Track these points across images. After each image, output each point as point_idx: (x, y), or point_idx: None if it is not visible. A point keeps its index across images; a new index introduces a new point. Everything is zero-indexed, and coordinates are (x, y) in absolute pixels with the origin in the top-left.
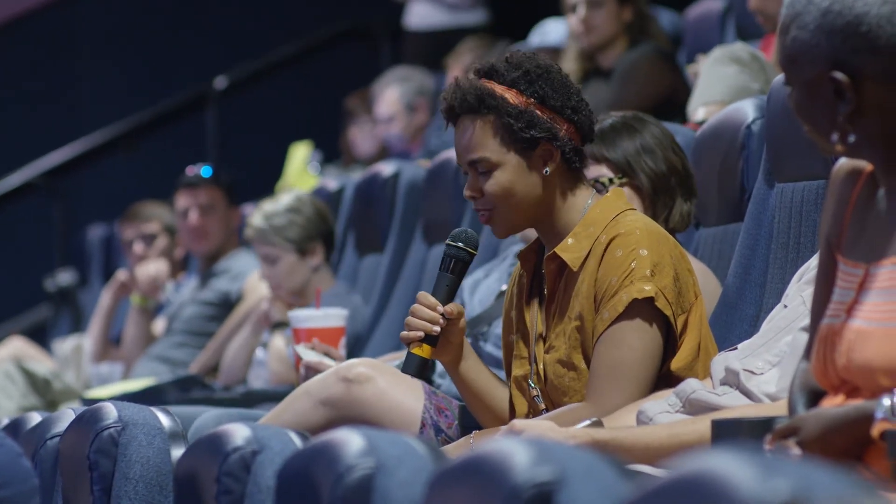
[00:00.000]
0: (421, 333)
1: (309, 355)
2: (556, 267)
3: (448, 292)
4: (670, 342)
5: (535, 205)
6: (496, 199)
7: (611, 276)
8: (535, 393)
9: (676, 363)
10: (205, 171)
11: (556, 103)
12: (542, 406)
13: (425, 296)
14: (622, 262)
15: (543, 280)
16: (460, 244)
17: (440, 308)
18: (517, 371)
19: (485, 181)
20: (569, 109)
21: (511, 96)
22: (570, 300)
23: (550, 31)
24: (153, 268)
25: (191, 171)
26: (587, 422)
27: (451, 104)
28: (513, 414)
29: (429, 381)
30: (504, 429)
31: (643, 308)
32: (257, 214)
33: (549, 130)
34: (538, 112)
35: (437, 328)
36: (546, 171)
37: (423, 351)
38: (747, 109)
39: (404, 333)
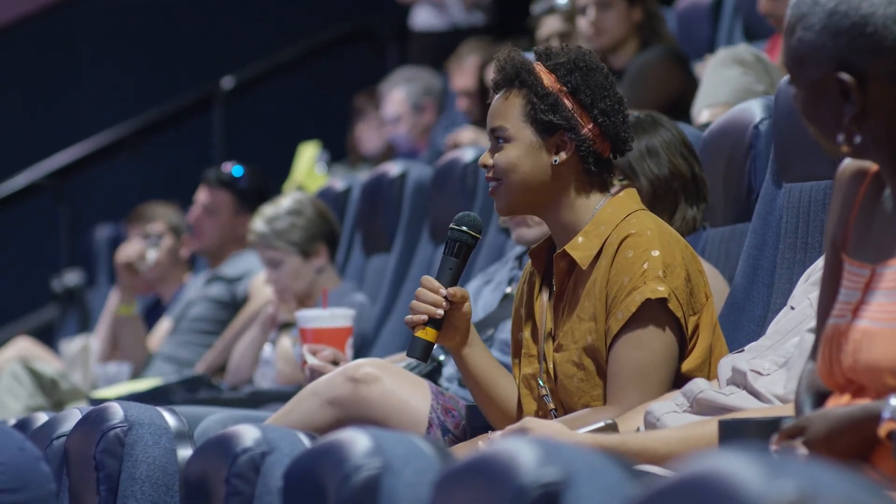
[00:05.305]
0: (425, 317)
1: (314, 359)
2: (565, 265)
3: (452, 276)
4: (681, 344)
5: (539, 190)
6: (502, 171)
7: (623, 277)
8: (543, 392)
9: (688, 364)
10: (235, 170)
11: (586, 99)
12: (551, 405)
13: (429, 279)
14: (634, 262)
15: (553, 278)
16: (464, 227)
17: (443, 291)
18: (526, 369)
19: (498, 151)
20: (597, 110)
21: (546, 78)
22: (581, 299)
23: None
24: (130, 249)
25: (226, 167)
26: (601, 423)
27: (496, 74)
28: (521, 413)
29: (434, 377)
30: (515, 426)
31: (656, 309)
32: (258, 219)
33: (568, 120)
34: (565, 101)
35: (441, 311)
36: (555, 161)
37: (428, 334)
38: (755, 110)
39: (408, 317)
